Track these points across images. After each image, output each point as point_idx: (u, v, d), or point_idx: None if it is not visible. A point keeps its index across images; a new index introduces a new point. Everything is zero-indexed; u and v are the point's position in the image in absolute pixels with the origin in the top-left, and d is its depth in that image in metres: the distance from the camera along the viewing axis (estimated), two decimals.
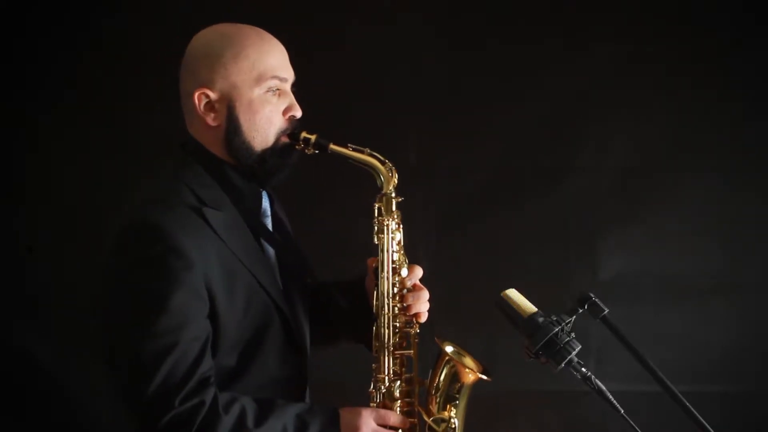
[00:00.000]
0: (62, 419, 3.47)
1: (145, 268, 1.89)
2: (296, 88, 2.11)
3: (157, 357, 1.86)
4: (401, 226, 2.14)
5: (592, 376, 1.87)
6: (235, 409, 1.91)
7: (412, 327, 2.14)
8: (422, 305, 2.14)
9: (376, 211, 2.13)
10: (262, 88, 2.03)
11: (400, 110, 3.54)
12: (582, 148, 3.58)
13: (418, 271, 2.16)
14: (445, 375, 2.12)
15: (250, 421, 1.92)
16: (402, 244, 2.15)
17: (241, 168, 2.06)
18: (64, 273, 3.38)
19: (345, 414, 2.02)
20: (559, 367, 1.88)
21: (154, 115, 3.37)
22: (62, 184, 3.47)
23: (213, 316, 1.94)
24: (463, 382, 2.11)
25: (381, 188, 2.13)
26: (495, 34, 3.54)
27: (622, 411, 1.84)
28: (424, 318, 2.15)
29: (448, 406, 2.11)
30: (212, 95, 2.02)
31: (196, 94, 2.03)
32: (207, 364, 1.91)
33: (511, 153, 3.57)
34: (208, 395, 1.89)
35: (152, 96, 3.38)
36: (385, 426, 2.04)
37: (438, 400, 2.11)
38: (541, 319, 1.91)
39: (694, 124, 3.53)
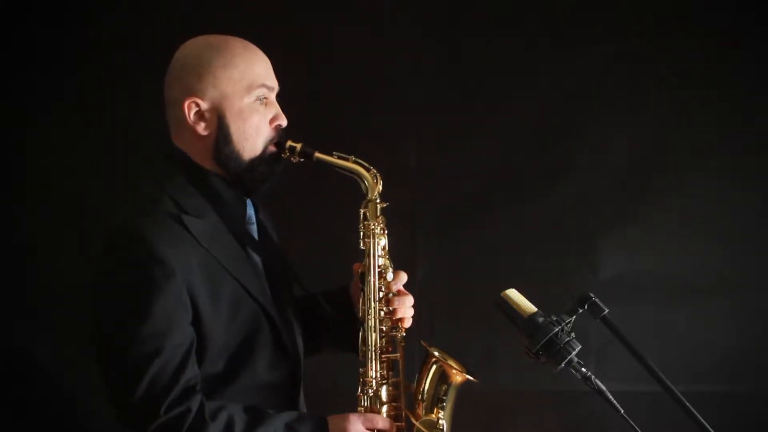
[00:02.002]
0: (62, 419, 3.47)
1: (127, 277, 1.91)
2: (281, 98, 2.13)
3: (141, 364, 1.87)
4: (386, 231, 2.16)
5: (592, 376, 1.87)
6: (223, 417, 1.92)
7: (398, 331, 2.15)
8: (407, 310, 2.15)
9: (361, 216, 2.15)
10: (251, 97, 2.05)
11: (400, 110, 3.54)
12: (582, 148, 3.58)
13: (403, 277, 2.18)
14: (432, 377, 2.13)
15: (238, 429, 1.92)
16: (387, 249, 2.17)
17: (227, 177, 2.07)
18: (64, 273, 3.37)
19: (333, 420, 2.03)
20: (559, 367, 1.88)
21: (154, 115, 3.36)
22: (62, 184, 3.47)
23: (197, 322, 1.95)
24: (450, 384, 2.12)
25: (366, 194, 2.14)
26: (495, 34, 3.54)
27: (622, 411, 1.84)
28: (408, 323, 2.16)
29: (435, 408, 2.12)
30: (202, 104, 2.03)
31: (186, 103, 2.04)
32: (192, 371, 1.92)
33: (511, 153, 3.57)
34: (194, 402, 1.90)
35: (152, 96, 3.37)
36: (373, 430, 2.05)
37: (425, 402, 2.12)
38: (541, 319, 1.91)
39: (694, 124, 3.53)
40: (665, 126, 3.54)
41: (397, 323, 2.15)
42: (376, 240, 2.13)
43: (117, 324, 1.90)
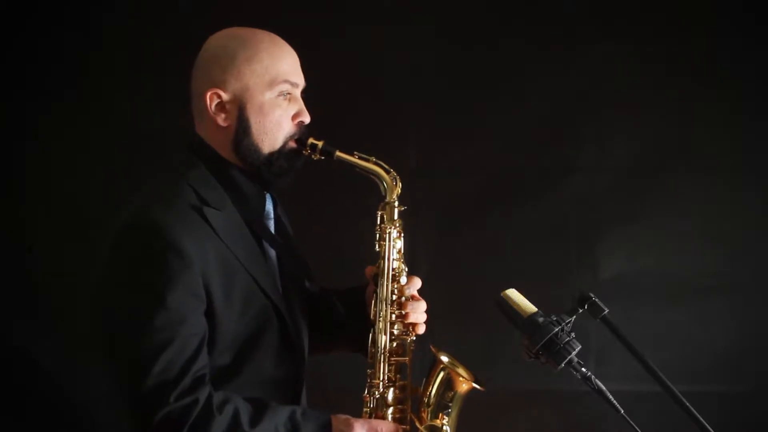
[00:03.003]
0: (62, 419, 3.48)
1: (144, 265, 1.90)
2: (306, 95, 2.12)
3: (154, 351, 1.87)
4: (402, 234, 2.16)
5: (592, 376, 1.87)
6: (229, 410, 1.92)
7: (408, 334, 2.15)
8: (420, 316, 2.15)
9: (378, 218, 2.14)
10: (274, 92, 2.05)
11: (400, 110, 3.55)
12: (582, 148, 3.58)
13: (417, 282, 2.17)
14: (439, 383, 2.12)
15: (244, 421, 1.92)
16: (402, 252, 2.16)
17: (247, 170, 2.08)
18: (64, 273, 3.38)
19: (337, 423, 2.02)
20: (559, 367, 1.88)
21: (154, 115, 3.37)
22: (62, 184, 3.47)
23: (210, 314, 1.95)
24: (456, 391, 2.11)
25: (384, 196, 2.14)
26: (495, 33, 3.54)
27: (622, 411, 1.84)
28: (421, 330, 2.15)
29: (440, 414, 2.11)
30: (224, 96, 2.04)
31: (208, 94, 2.04)
32: (202, 362, 1.92)
33: (511, 153, 3.58)
34: (203, 394, 1.90)
35: (152, 96, 3.39)
36: None
37: (430, 407, 2.11)
38: (541, 319, 1.91)
39: (694, 124, 3.53)
40: (665, 126, 3.55)
41: (408, 327, 2.14)
42: (392, 243, 2.13)
43: (132, 311, 1.90)
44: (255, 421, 1.93)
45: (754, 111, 3.52)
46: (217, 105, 2.04)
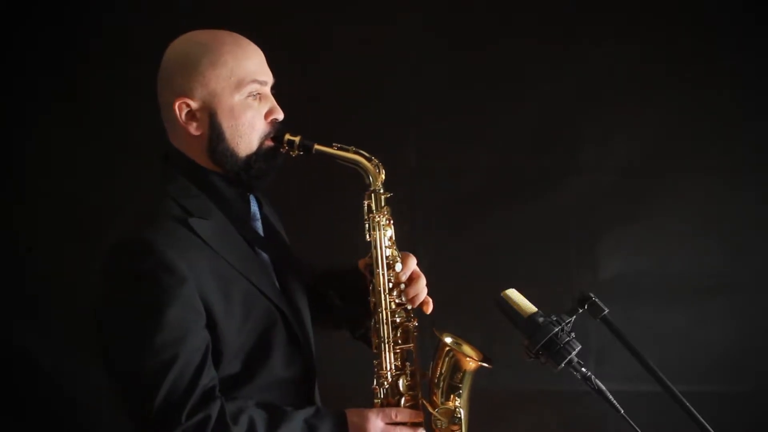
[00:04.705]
0: (62, 419, 3.47)
1: (136, 286, 1.88)
2: (275, 90, 2.09)
3: (158, 373, 1.86)
4: (392, 221, 2.14)
5: (592, 376, 1.87)
6: (244, 421, 1.92)
7: (410, 321, 2.15)
8: (422, 293, 2.14)
9: (365, 208, 2.12)
10: (243, 93, 2.01)
11: (400, 110, 3.54)
12: (582, 148, 3.58)
13: (412, 261, 2.15)
14: (446, 365, 2.13)
15: (261, 430, 1.92)
16: (394, 239, 2.14)
17: (226, 175, 2.05)
18: (64, 273, 3.37)
19: (352, 417, 2.03)
20: (559, 367, 1.88)
21: (154, 115, 3.36)
22: (62, 184, 3.46)
23: (212, 326, 1.93)
24: (465, 371, 2.12)
25: (369, 185, 2.11)
26: (495, 34, 3.54)
27: (622, 411, 1.85)
28: (430, 308, 2.15)
29: (451, 396, 2.12)
30: (193, 104, 2.00)
31: (176, 104, 2.00)
32: (209, 375, 1.91)
33: (511, 153, 3.58)
34: (214, 408, 1.89)
35: (153, 95, 3.37)
36: (393, 423, 2.05)
37: (441, 391, 2.12)
38: (541, 319, 1.91)
39: (694, 124, 3.53)
40: (665, 126, 3.55)
41: (410, 313, 2.14)
42: (382, 231, 2.11)
43: (132, 335, 1.88)
44: (272, 427, 1.93)
45: (754, 111, 3.52)
46: (186, 114, 2.01)
